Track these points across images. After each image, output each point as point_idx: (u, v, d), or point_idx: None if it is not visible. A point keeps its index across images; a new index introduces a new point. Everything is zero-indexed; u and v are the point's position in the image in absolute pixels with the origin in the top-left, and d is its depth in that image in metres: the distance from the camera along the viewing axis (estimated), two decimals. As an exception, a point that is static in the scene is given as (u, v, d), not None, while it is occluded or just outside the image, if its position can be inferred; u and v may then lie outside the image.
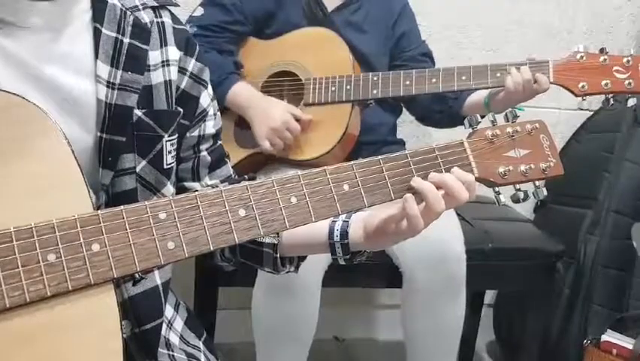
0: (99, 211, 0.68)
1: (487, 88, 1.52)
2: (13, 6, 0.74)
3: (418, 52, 1.71)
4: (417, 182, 0.81)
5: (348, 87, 1.54)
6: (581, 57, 1.42)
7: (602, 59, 1.41)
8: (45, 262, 0.64)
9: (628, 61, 1.40)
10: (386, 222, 0.82)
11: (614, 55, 1.41)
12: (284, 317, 1.45)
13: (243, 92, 1.54)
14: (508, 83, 1.44)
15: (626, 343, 1.60)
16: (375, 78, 1.54)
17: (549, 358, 1.88)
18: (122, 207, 0.69)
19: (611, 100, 1.41)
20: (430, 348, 1.54)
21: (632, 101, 1.43)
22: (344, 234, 0.86)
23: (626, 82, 1.39)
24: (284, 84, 1.63)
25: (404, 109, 1.79)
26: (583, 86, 1.41)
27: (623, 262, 1.81)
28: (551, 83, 1.44)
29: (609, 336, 1.63)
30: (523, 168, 0.89)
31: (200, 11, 1.61)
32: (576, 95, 1.43)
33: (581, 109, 1.46)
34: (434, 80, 1.50)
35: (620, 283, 1.80)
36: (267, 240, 0.89)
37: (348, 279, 1.56)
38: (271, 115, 1.51)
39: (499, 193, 0.89)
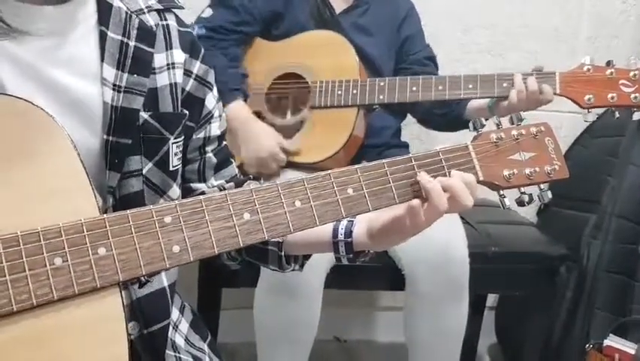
0: (105, 215, 0.68)
1: (493, 97, 1.52)
2: (20, 11, 0.74)
3: (422, 55, 1.71)
4: (422, 178, 0.81)
5: (355, 91, 1.55)
6: (588, 69, 1.43)
7: (608, 72, 1.42)
8: (52, 265, 0.65)
9: (634, 75, 1.40)
10: (391, 221, 0.82)
11: (620, 68, 1.42)
12: (286, 318, 1.45)
13: (238, 115, 1.55)
14: (511, 95, 1.44)
15: (629, 348, 1.60)
16: (381, 83, 1.54)
17: (551, 362, 1.87)
18: (127, 211, 0.69)
19: (617, 113, 1.42)
20: (432, 351, 1.54)
21: (637, 115, 1.43)
22: (348, 233, 0.86)
23: (632, 96, 1.40)
24: (290, 86, 1.63)
25: (408, 112, 1.79)
26: (589, 99, 1.42)
27: (626, 266, 1.80)
28: (558, 94, 1.45)
29: (611, 341, 1.63)
30: (528, 171, 0.88)
31: (208, 12, 1.61)
32: (582, 108, 1.43)
33: (586, 121, 1.46)
34: (441, 88, 1.51)
35: (622, 288, 1.79)
36: (272, 238, 0.89)
37: (351, 281, 1.56)
38: (261, 146, 1.54)
39: (504, 196, 0.89)
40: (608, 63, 1.43)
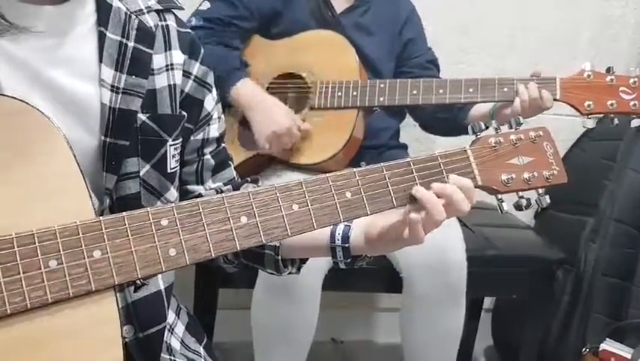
0: (101, 218, 0.68)
1: (493, 102, 1.52)
2: (20, 11, 0.74)
3: (424, 59, 1.71)
4: (418, 191, 0.81)
5: (355, 93, 1.54)
6: (588, 75, 1.43)
7: (608, 78, 1.42)
8: (46, 268, 0.64)
9: (634, 82, 1.40)
10: (388, 229, 0.82)
11: (620, 75, 1.42)
12: (283, 320, 1.45)
13: (247, 91, 1.53)
14: (515, 105, 1.44)
15: (625, 352, 1.60)
16: (382, 86, 1.54)
17: (547, 365, 1.88)
18: (124, 213, 0.69)
19: (616, 120, 1.42)
20: (428, 354, 1.54)
21: (635, 122, 1.43)
22: (345, 238, 0.86)
23: (632, 103, 1.40)
24: (289, 86, 1.62)
25: (407, 113, 1.78)
26: (589, 105, 1.41)
27: (623, 270, 1.81)
28: (558, 100, 1.45)
29: (608, 345, 1.63)
30: (526, 175, 0.88)
31: (206, 5, 1.61)
32: (581, 114, 1.43)
33: (585, 127, 1.46)
34: (441, 91, 1.50)
35: (619, 292, 1.80)
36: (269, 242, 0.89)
37: (349, 283, 1.56)
38: (274, 118, 1.50)
39: (502, 201, 0.89)
40: (609, 70, 1.43)
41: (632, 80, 1.40)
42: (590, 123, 1.44)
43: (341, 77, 1.56)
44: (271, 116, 1.51)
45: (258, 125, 1.52)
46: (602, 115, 1.45)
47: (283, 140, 1.51)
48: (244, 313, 1.53)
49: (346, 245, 0.86)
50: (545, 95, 1.43)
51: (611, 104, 1.40)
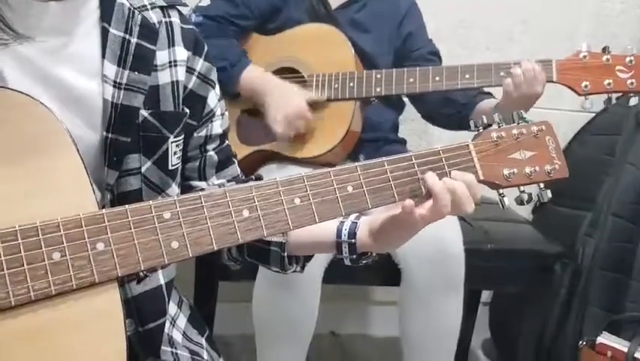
0: (104, 210, 0.68)
1: (490, 86, 1.52)
2: (25, 8, 0.73)
3: (426, 51, 1.70)
4: (430, 178, 0.81)
5: (352, 84, 1.54)
6: (584, 56, 1.43)
7: (604, 58, 1.41)
8: (50, 260, 0.65)
9: (630, 60, 1.40)
10: (387, 220, 0.83)
11: (616, 54, 1.41)
12: (284, 312, 1.46)
13: (258, 76, 1.54)
14: (507, 81, 1.42)
15: (622, 345, 1.61)
16: (378, 75, 1.53)
17: (544, 358, 1.88)
18: (126, 206, 0.69)
19: (613, 99, 1.42)
20: (426, 347, 1.54)
21: (633, 101, 1.42)
22: (352, 234, 0.87)
23: (629, 81, 1.39)
24: (286, 80, 1.62)
25: (405, 106, 1.78)
26: (586, 86, 1.41)
27: (620, 264, 1.81)
28: (555, 82, 1.44)
29: (604, 338, 1.64)
30: (528, 170, 0.89)
31: (206, 1, 1.60)
32: (579, 95, 1.43)
33: (584, 108, 1.45)
34: (437, 78, 1.49)
35: (616, 286, 1.81)
36: (275, 238, 0.89)
37: (347, 276, 1.56)
38: (289, 102, 1.50)
39: (504, 196, 0.89)
40: (604, 49, 1.43)
41: (628, 59, 1.40)
42: (588, 104, 1.43)
43: (337, 69, 1.55)
44: (286, 100, 1.50)
45: (272, 110, 1.50)
46: (603, 105, 1.45)
47: (296, 124, 1.50)
48: (244, 306, 1.53)
49: (352, 241, 0.86)
50: (538, 68, 1.40)
51: (608, 84, 1.40)
